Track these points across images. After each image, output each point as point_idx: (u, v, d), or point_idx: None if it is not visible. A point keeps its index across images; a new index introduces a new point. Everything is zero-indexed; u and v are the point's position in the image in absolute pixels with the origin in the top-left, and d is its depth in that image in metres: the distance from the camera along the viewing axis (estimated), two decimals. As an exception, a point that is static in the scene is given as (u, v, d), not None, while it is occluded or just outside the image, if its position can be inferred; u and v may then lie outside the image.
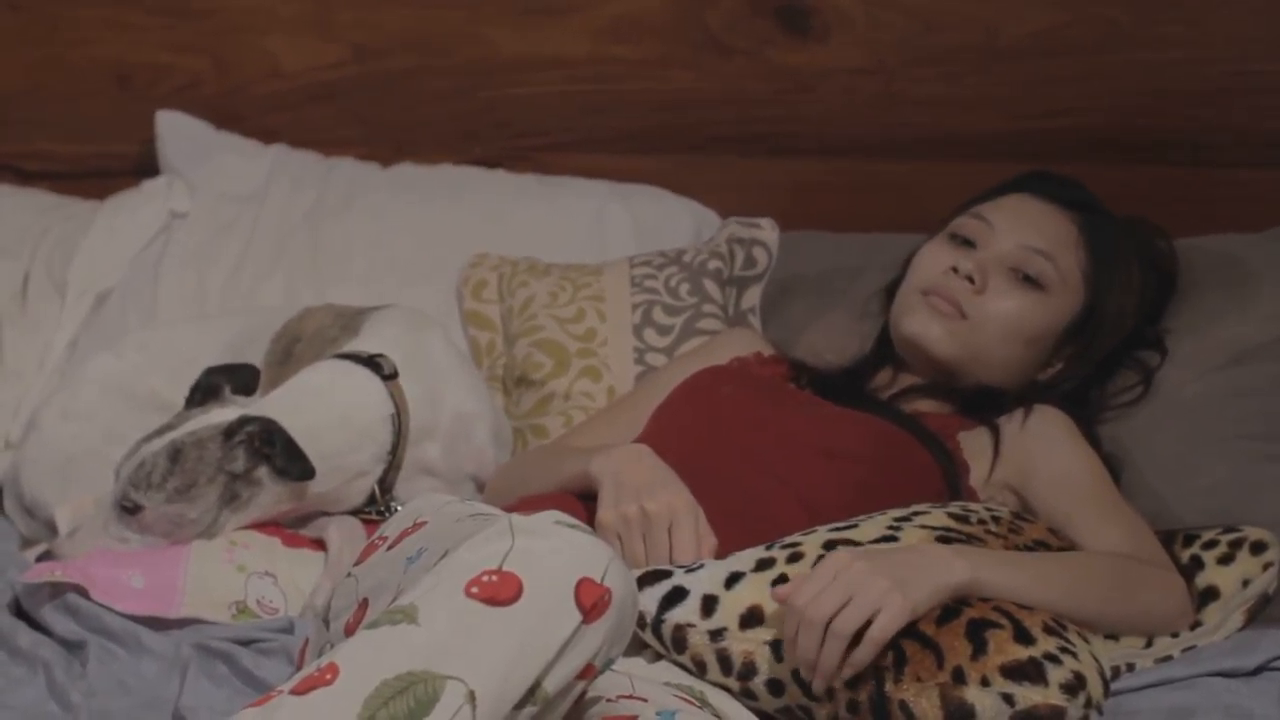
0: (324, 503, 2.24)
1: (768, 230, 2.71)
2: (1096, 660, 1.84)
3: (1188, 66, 2.78)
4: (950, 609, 1.83)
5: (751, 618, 1.87)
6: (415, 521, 1.81)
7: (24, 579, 2.13)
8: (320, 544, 2.22)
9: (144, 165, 2.96)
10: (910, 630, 1.81)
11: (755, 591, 1.88)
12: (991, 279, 2.29)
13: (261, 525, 2.21)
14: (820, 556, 1.90)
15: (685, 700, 1.80)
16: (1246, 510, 2.22)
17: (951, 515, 1.99)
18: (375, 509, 2.26)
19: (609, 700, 1.72)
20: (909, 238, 2.48)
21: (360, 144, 2.95)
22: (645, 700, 1.74)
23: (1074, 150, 2.80)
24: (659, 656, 1.91)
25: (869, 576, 1.80)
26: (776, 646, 1.85)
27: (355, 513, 2.26)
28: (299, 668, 1.91)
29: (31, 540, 2.43)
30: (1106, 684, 1.83)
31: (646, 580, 1.91)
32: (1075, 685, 1.77)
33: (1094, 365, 2.34)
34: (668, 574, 1.92)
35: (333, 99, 2.97)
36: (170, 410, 2.28)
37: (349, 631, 1.74)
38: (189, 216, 2.84)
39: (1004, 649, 1.79)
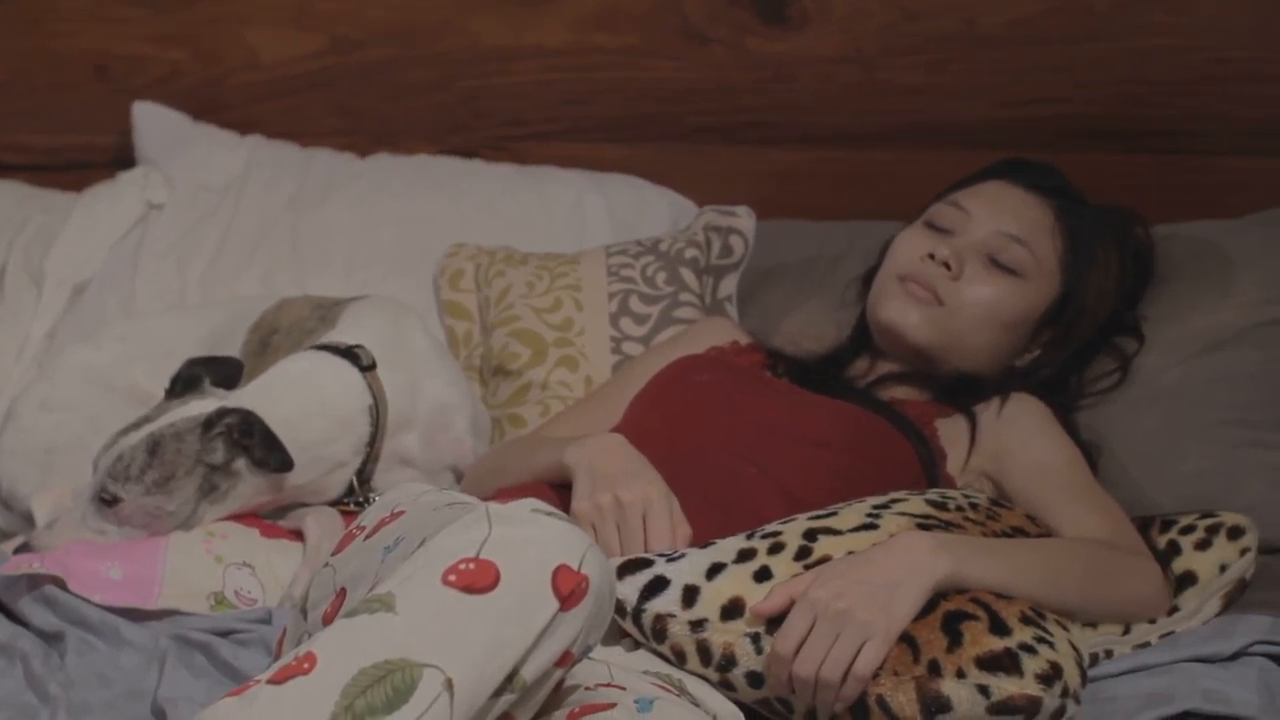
0: (302, 494, 2.24)
1: (744, 218, 2.71)
2: (1075, 649, 1.84)
3: (1168, 55, 2.78)
4: (927, 602, 1.83)
5: (733, 609, 1.86)
6: (393, 511, 1.80)
7: (1, 571, 2.12)
8: (298, 535, 2.21)
9: (122, 157, 2.96)
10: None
11: (737, 583, 1.88)
12: (968, 265, 2.29)
13: (240, 516, 2.21)
14: (801, 547, 1.90)
15: (664, 688, 1.80)
16: (1225, 496, 2.22)
17: (930, 502, 1.99)
18: (353, 500, 2.26)
19: (587, 688, 1.72)
20: (889, 226, 2.49)
21: (339, 134, 2.95)
22: (623, 688, 1.74)
23: (1055, 138, 2.80)
24: (637, 645, 1.90)
25: (849, 611, 1.79)
26: (757, 639, 1.85)
27: (334, 504, 2.26)
28: (277, 658, 1.90)
29: (9, 532, 2.43)
30: (1084, 672, 1.84)
31: (627, 569, 1.91)
32: (1051, 675, 1.78)
33: (1071, 352, 2.34)
34: (649, 563, 1.92)
35: (312, 90, 2.97)
36: (149, 401, 2.27)
37: (327, 621, 1.74)
38: (166, 207, 2.84)
39: (979, 640, 1.79)
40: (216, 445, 2.14)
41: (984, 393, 2.27)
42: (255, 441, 2.12)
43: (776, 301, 2.68)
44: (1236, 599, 2.09)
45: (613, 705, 1.69)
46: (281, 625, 1.99)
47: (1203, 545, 2.12)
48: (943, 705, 1.76)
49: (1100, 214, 2.38)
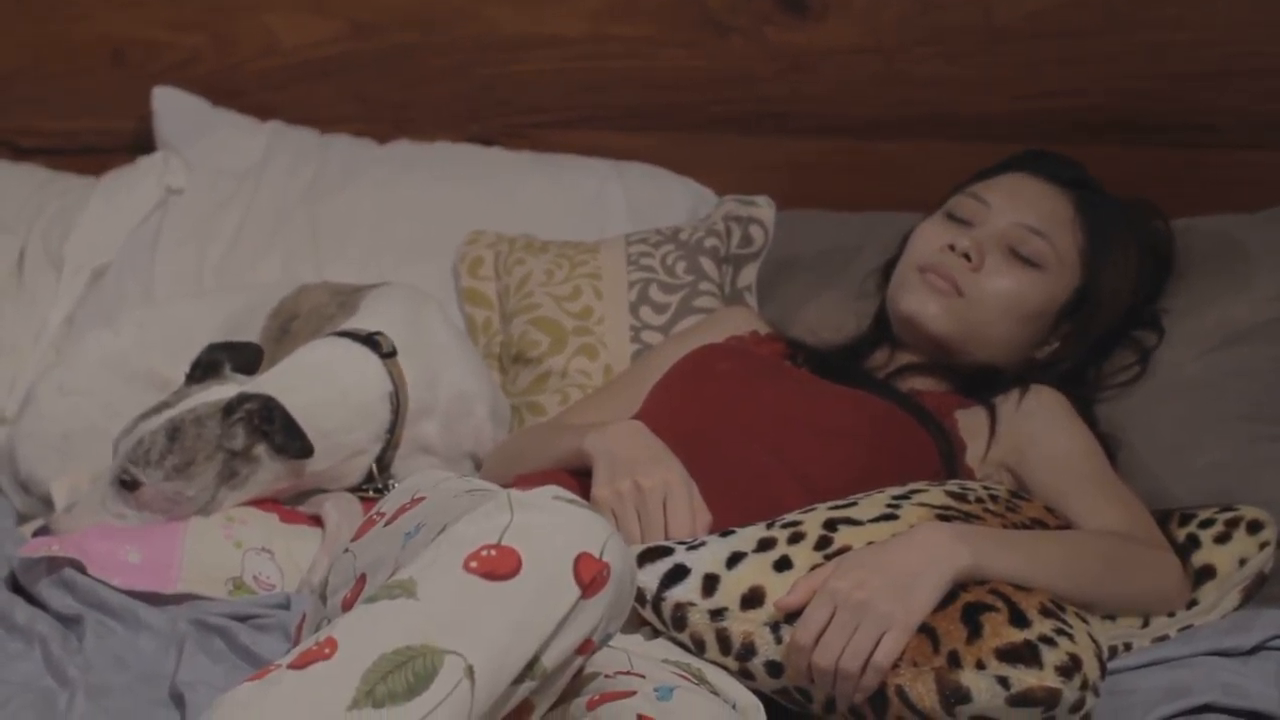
0: (322, 480, 2.24)
1: (764, 208, 2.71)
2: (1094, 641, 1.84)
3: (1187, 48, 2.77)
4: (947, 593, 1.83)
5: (753, 598, 1.87)
6: (413, 497, 1.80)
7: (20, 553, 2.13)
8: (318, 520, 2.22)
9: (140, 141, 2.95)
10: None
11: (757, 572, 1.88)
12: (988, 257, 2.29)
13: (259, 502, 2.21)
14: (821, 537, 1.90)
15: (683, 677, 1.80)
16: (1244, 490, 2.21)
17: (950, 493, 1.99)
18: (373, 487, 2.26)
19: (607, 676, 1.72)
20: (908, 217, 2.48)
21: (358, 121, 2.94)
22: (643, 676, 1.74)
23: (1073, 131, 2.80)
24: (657, 633, 1.91)
25: (869, 601, 1.80)
26: (776, 628, 1.85)
27: (353, 490, 2.26)
28: (296, 643, 1.91)
29: (27, 515, 2.44)
30: (1103, 665, 1.84)
31: (647, 557, 1.91)
32: (1070, 667, 1.78)
33: (1091, 344, 2.34)
34: (669, 551, 1.92)
35: (330, 75, 2.96)
36: (167, 387, 2.27)
37: (346, 606, 1.74)
38: (185, 192, 2.84)
39: (999, 632, 1.79)
40: (237, 431, 2.14)
41: (1003, 384, 2.27)
42: (276, 427, 2.12)
43: (795, 291, 2.67)
44: (1255, 593, 2.08)
45: (632, 693, 1.68)
46: (300, 611, 2.00)
47: (1222, 539, 2.12)
48: (962, 696, 1.76)
49: (1120, 206, 2.38)
